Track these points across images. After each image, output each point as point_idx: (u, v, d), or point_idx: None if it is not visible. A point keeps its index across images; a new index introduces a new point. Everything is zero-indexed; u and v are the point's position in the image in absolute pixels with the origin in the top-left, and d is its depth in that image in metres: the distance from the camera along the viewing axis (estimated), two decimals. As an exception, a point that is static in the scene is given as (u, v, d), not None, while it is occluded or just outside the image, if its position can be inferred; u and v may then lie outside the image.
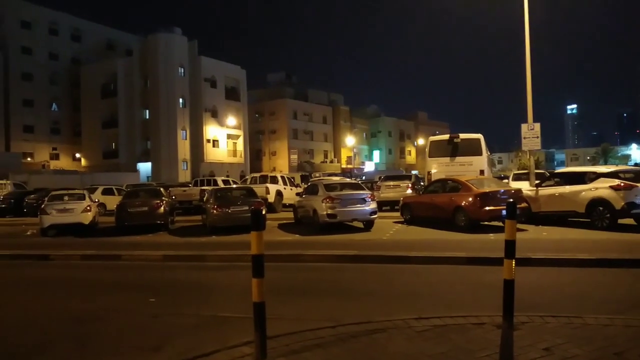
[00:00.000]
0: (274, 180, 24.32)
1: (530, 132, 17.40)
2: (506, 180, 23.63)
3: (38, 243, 15.01)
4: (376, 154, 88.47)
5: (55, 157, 59.66)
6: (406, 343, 4.51)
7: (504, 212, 5.08)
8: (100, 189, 27.05)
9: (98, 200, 22.74)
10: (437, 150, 18.14)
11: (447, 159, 17.63)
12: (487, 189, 13.63)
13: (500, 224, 13.24)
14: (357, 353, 4.31)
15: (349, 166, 73.96)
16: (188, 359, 4.25)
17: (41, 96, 57.91)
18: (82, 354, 4.97)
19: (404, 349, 4.35)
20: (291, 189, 24.28)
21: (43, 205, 17.34)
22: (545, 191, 14.26)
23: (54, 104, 60.10)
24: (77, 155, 60.51)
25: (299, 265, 9.77)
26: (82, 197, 18.03)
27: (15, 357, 4.94)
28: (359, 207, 14.60)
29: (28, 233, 17.85)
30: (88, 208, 17.32)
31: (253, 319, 4.16)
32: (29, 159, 55.19)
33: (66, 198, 17.82)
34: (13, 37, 55.38)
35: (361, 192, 15.26)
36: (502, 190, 13.90)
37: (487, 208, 13.05)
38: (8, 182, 29.87)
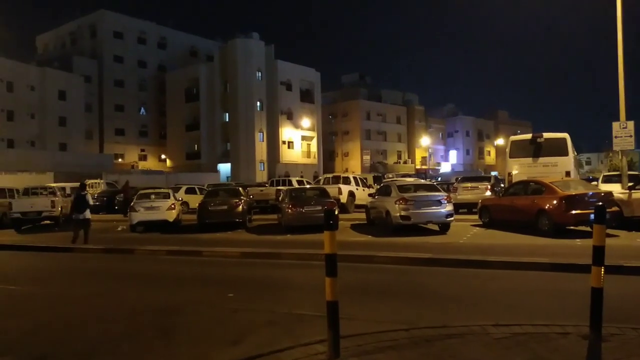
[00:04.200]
0: (346, 181, 24.41)
1: (623, 131, 16.17)
2: (595, 183, 22.12)
3: (127, 238, 16.07)
4: (453, 154, 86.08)
5: (143, 158, 63.78)
6: (483, 350, 4.36)
7: (592, 216, 4.78)
8: (184, 188, 28.48)
9: (181, 199, 24.02)
10: (518, 150, 17.34)
11: (530, 160, 16.81)
12: (573, 192, 12.83)
13: (588, 229, 12.46)
14: (431, 358, 4.23)
15: (424, 167, 72.55)
16: (264, 354, 4.37)
17: (131, 101, 62.19)
18: (166, 343, 5.28)
19: (481, 356, 4.22)
20: (363, 190, 24.24)
21: (132, 203, 18.57)
22: (639, 194, 13.19)
23: (142, 108, 64.30)
24: (163, 156, 64.26)
25: (371, 266, 9.74)
26: (167, 196, 19.11)
27: (106, 343, 5.34)
28: (434, 209, 14.27)
29: (119, 229, 19.12)
30: (172, 206, 18.33)
31: (326, 318, 4.22)
32: (120, 159, 59.37)
33: (153, 197, 18.96)
34: (106, 47, 59.93)
35: (436, 193, 14.91)
36: (591, 193, 13.02)
37: (573, 212, 12.28)
38: (101, 181, 32.25)
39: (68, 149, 52.02)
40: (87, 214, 14.18)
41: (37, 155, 44.98)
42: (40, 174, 35.99)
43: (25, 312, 6.91)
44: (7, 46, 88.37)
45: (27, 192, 21.19)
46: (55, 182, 31.88)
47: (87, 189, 15.77)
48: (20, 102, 48.98)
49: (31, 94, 50.43)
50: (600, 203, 11.66)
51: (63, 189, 25.45)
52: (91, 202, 14.41)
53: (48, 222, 20.87)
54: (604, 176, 22.98)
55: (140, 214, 17.94)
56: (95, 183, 31.29)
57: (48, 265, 11.76)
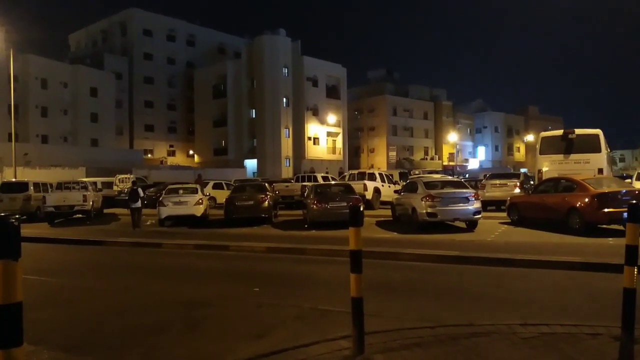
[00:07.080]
0: (371, 177, 24.31)
1: (660, 127, 15.67)
2: (629, 180, 21.48)
3: (156, 232, 16.40)
4: (481, 150, 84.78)
5: (172, 153, 64.91)
6: (510, 349, 4.29)
7: (625, 214, 4.65)
8: (211, 183, 28.83)
9: (209, 194, 24.33)
10: (549, 146, 16.96)
11: (561, 156, 16.43)
12: (606, 189, 12.50)
13: (621, 227, 12.11)
14: (456, 356, 4.19)
15: (451, 163, 71.61)
16: (289, 348, 4.40)
17: (160, 98, 63.32)
18: (193, 336, 5.37)
19: (508, 356, 4.16)
20: (389, 186, 24.11)
21: (161, 198, 18.92)
22: (676, 193, 12.74)
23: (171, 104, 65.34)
24: (191, 152, 65.22)
25: (397, 263, 9.69)
26: (195, 191, 19.39)
27: (136, 336, 5.46)
28: (461, 206, 14.10)
29: (148, 223, 19.46)
30: (200, 201, 18.60)
31: (351, 314, 4.22)
32: (149, 155, 60.53)
33: (181, 192, 19.29)
34: (136, 44, 61.14)
35: (464, 190, 14.72)
36: (624, 191, 12.65)
37: (605, 210, 11.97)
38: (132, 176, 32.89)
39: (99, 144, 53.29)
40: (139, 203, 17.34)
41: (70, 151, 46.26)
42: (72, 168, 36.98)
43: (58, 303, 7.12)
44: (41, 45, 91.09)
45: (60, 186, 21.79)
46: (87, 176, 32.72)
47: (138, 183, 19.82)
48: (53, 99, 50.39)
49: (64, 90, 51.81)
50: (634, 201, 11.34)
51: (94, 183, 26.11)
52: (142, 194, 17.81)
53: (80, 215, 21.45)
54: (639, 174, 22.32)
55: (169, 209, 18.28)
56: (125, 178, 31.91)
57: (79, 258, 12.08)
